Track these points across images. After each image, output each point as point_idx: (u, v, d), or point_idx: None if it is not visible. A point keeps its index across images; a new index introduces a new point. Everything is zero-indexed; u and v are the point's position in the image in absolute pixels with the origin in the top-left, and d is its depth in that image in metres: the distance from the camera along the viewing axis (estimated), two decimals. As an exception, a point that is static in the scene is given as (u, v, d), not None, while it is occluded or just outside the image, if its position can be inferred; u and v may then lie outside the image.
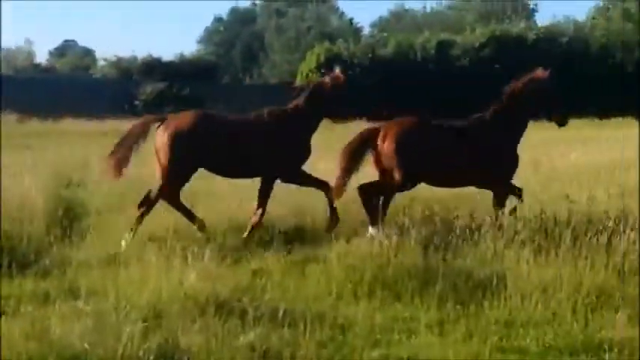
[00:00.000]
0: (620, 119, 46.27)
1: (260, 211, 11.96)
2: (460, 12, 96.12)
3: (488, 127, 12.10)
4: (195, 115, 11.92)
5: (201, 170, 12.02)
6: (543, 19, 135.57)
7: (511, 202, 11.89)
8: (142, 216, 11.62)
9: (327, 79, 12.51)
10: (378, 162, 11.88)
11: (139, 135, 11.92)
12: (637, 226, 10.31)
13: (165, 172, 11.70)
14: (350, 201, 12.19)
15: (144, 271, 8.88)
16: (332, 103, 12.37)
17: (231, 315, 7.87)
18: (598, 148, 23.36)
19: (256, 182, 12.21)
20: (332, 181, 11.89)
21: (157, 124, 11.93)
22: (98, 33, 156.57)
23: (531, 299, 8.50)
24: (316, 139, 12.59)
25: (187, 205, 11.97)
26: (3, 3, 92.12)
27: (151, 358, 6.87)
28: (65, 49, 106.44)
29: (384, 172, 11.87)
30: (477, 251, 9.96)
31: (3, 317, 7.95)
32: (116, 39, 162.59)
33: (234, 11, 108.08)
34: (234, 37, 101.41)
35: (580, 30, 75.02)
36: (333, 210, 11.98)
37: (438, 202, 12.33)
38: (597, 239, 9.76)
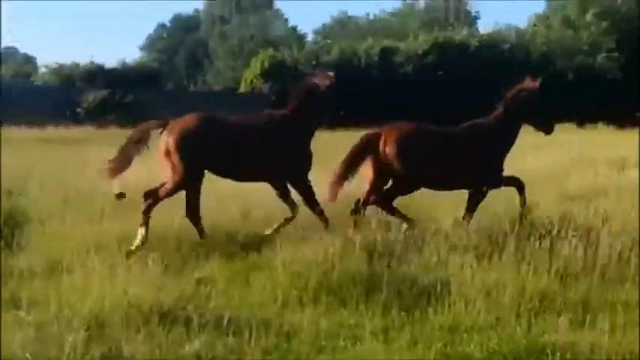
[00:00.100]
0: (560, 125, 46.71)
1: (291, 208, 12.12)
2: (403, 19, 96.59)
3: (483, 133, 12.43)
4: (197, 118, 11.87)
5: (142, 178, 11.94)
6: (486, 26, 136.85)
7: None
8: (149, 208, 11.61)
9: (318, 79, 12.52)
10: (377, 166, 12.03)
11: (140, 140, 11.85)
12: (579, 230, 10.50)
13: (177, 175, 11.64)
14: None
15: (87, 279, 8.78)
16: (328, 105, 12.49)
17: (176, 324, 7.83)
18: (540, 154, 23.53)
19: (208, 190, 12.14)
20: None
21: (159, 130, 11.87)
22: (39, 40, 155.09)
23: (475, 304, 8.55)
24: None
25: (133, 213, 11.88)
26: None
27: (95, 367, 6.83)
28: (6, 56, 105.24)
29: (381, 176, 12.06)
30: (421, 257, 10.01)
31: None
32: (58, 46, 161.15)
33: (177, 18, 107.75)
34: (177, 43, 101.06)
35: (521, 37, 75.86)
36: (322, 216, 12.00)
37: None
38: (540, 244, 9.89)
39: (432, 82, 61.25)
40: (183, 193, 11.72)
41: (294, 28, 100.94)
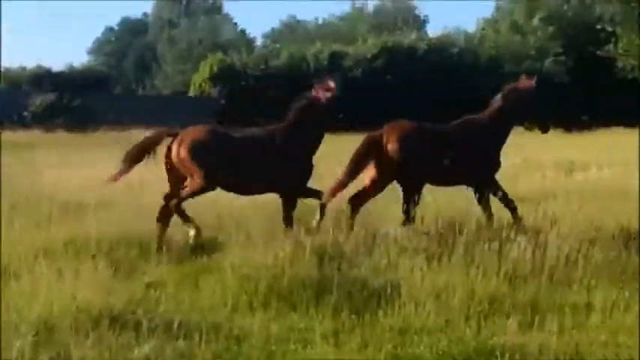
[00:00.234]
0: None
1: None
2: (352, 23, 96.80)
3: (479, 130, 12.62)
4: (206, 130, 12.05)
5: (90, 182, 11.87)
6: (434, 29, 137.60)
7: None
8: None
9: (320, 91, 12.52)
10: (380, 165, 12.11)
11: (151, 146, 12.01)
12: (528, 233, 10.61)
13: (192, 184, 11.83)
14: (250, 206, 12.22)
15: (35, 284, 8.71)
16: (330, 115, 12.52)
17: (125, 328, 7.77)
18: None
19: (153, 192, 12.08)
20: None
21: (169, 139, 12.01)
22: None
23: (425, 307, 8.57)
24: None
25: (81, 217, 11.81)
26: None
27: (43, 372, 6.76)
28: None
29: (384, 174, 12.16)
30: (371, 260, 10.04)
31: None
32: (3, 50, 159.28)
33: (125, 22, 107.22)
34: (125, 47, 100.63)
35: (470, 41, 76.46)
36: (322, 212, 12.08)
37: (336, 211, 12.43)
38: (489, 246, 9.96)
39: (381, 86, 61.35)
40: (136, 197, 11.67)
41: (243, 32, 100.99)
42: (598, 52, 54.23)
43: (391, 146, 11.97)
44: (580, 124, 47.83)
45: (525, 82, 12.86)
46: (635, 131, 36.75)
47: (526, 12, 76.60)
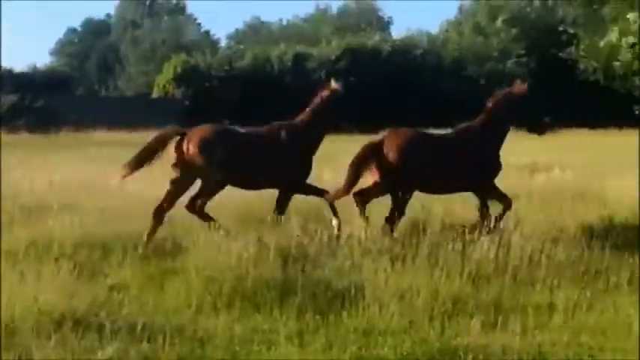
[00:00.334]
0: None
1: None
2: (316, 24, 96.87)
3: (475, 137, 12.60)
4: (214, 129, 12.21)
5: (53, 184, 11.80)
6: (398, 31, 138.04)
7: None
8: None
9: (325, 92, 12.85)
10: (381, 170, 12.10)
11: (158, 149, 12.09)
12: (491, 233, 10.68)
13: (204, 182, 12.15)
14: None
15: (-4, 287, 8.65)
16: (334, 115, 12.80)
17: (89, 330, 7.73)
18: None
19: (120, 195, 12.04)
20: None
21: (177, 138, 12.10)
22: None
23: (389, 308, 8.59)
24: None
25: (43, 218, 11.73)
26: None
27: (4, 375, 6.72)
28: None
29: (384, 179, 12.13)
30: (335, 261, 10.05)
31: None
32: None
33: (88, 22, 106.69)
34: (88, 48, 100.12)
35: (433, 43, 76.80)
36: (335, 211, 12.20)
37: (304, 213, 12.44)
38: (453, 247, 10.00)
39: (345, 87, 61.40)
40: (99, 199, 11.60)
41: (207, 33, 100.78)
42: (560, 54, 54.50)
43: (392, 154, 11.96)
44: (542, 125, 48.03)
45: (520, 87, 12.95)
46: (597, 133, 37.04)
47: (489, 14, 77.13)
